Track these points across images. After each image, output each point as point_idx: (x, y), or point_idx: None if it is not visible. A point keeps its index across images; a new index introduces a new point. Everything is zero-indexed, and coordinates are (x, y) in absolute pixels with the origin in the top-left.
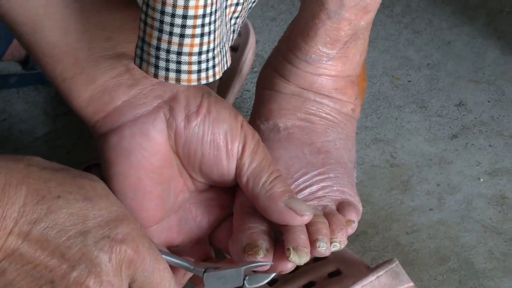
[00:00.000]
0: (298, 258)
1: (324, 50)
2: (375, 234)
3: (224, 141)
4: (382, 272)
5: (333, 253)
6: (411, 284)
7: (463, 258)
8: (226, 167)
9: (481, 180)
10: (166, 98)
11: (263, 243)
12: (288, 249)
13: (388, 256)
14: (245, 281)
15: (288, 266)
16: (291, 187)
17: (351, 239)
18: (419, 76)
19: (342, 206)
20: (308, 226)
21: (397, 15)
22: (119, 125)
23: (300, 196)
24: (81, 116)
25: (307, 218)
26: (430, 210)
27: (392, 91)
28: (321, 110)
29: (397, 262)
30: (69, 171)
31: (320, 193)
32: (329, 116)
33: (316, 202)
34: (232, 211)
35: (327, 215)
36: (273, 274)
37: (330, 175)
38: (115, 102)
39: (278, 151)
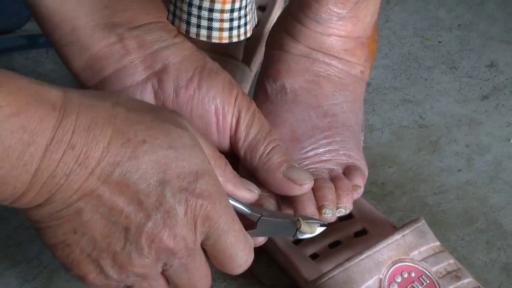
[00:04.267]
0: (310, 228)
1: (335, 9)
2: (402, 195)
3: (214, 117)
4: (408, 231)
5: (359, 213)
6: (437, 243)
7: (492, 219)
8: (217, 141)
9: (511, 141)
10: (156, 69)
11: (269, 206)
12: (298, 220)
13: (415, 217)
14: (297, 232)
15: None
16: (297, 150)
17: (378, 199)
18: (450, 36)
19: (348, 170)
20: (314, 191)
21: None
22: None
23: (306, 159)
24: (77, 80)
25: (307, 186)
26: (458, 171)
27: (422, 52)
28: (329, 72)
29: (424, 221)
30: (159, 113)
31: (326, 156)
32: (337, 78)
33: (322, 165)
34: None
35: (333, 179)
36: (324, 228)
37: (337, 138)
38: (106, 71)
39: (284, 114)
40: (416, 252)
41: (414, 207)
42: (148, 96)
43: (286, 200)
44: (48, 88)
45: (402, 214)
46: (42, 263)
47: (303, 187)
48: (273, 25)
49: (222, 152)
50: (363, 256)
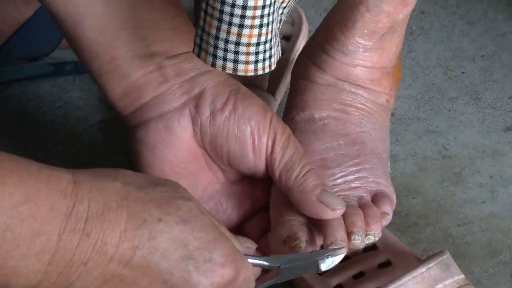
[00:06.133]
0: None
1: (361, 41)
2: (426, 226)
3: (250, 137)
4: (432, 264)
5: (383, 244)
6: (462, 276)
7: None
8: (253, 162)
9: None
10: (193, 95)
11: (303, 235)
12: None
13: (439, 248)
14: (319, 266)
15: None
16: (327, 177)
17: (402, 230)
18: (473, 67)
19: (377, 198)
20: (344, 217)
21: (451, 6)
22: (145, 120)
23: (336, 186)
24: (114, 109)
25: (339, 212)
26: (482, 202)
27: (446, 83)
28: (356, 101)
29: (448, 254)
30: (164, 187)
31: (355, 184)
32: (364, 107)
33: (351, 192)
34: (263, 205)
35: (362, 206)
36: (343, 254)
37: (365, 166)
38: (144, 98)
39: (313, 142)
40: (441, 285)
41: (437, 238)
42: (186, 121)
43: (316, 226)
44: (58, 173)
45: (426, 246)
46: None
47: (335, 212)
48: (299, 55)
49: (254, 174)
50: None
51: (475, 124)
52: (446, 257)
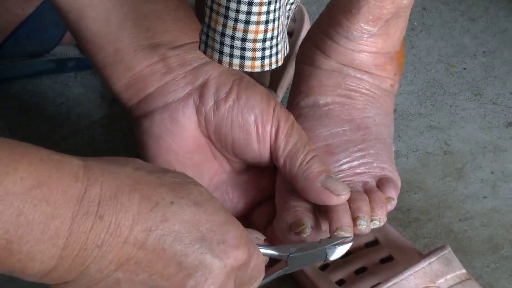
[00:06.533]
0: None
1: (366, 27)
2: (428, 221)
3: (254, 126)
4: (434, 259)
5: (385, 239)
6: (464, 271)
7: None
8: (258, 150)
9: None
10: (197, 85)
11: (308, 221)
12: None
13: (441, 243)
14: (327, 256)
15: None
16: (332, 163)
17: (404, 225)
18: (474, 63)
19: (381, 183)
20: (349, 202)
21: (453, 2)
22: (150, 110)
23: (341, 172)
24: (119, 100)
25: (343, 197)
26: (484, 198)
27: (447, 78)
28: (361, 86)
29: (450, 249)
30: (174, 174)
31: (360, 169)
32: (369, 92)
33: (356, 178)
34: (269, 194)
35: (367, 191)
36: (351, 243)
37: (370, 151)
38: (148, 89)
39: (318, 128)
40: (442, 280)
41: (439, 233)
42: (190, 111)
43: (322, 212)
44: (68, 158)
45: (427, 241)
46: None
47: (340, 198)
48: (302, 41)
49: (259, 162)
50: (389, 284)
51: (477, 120)
52: (448, 252)
